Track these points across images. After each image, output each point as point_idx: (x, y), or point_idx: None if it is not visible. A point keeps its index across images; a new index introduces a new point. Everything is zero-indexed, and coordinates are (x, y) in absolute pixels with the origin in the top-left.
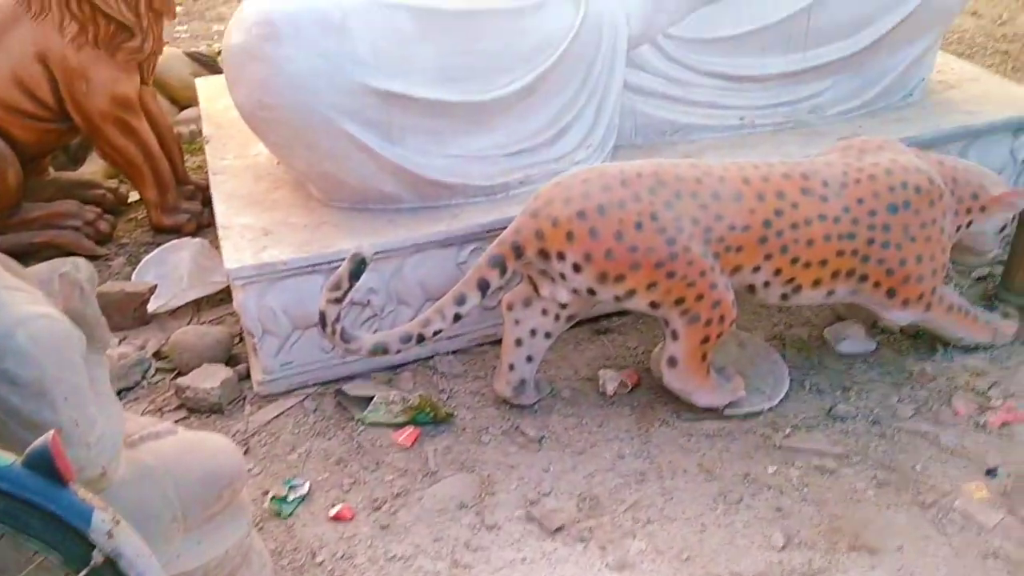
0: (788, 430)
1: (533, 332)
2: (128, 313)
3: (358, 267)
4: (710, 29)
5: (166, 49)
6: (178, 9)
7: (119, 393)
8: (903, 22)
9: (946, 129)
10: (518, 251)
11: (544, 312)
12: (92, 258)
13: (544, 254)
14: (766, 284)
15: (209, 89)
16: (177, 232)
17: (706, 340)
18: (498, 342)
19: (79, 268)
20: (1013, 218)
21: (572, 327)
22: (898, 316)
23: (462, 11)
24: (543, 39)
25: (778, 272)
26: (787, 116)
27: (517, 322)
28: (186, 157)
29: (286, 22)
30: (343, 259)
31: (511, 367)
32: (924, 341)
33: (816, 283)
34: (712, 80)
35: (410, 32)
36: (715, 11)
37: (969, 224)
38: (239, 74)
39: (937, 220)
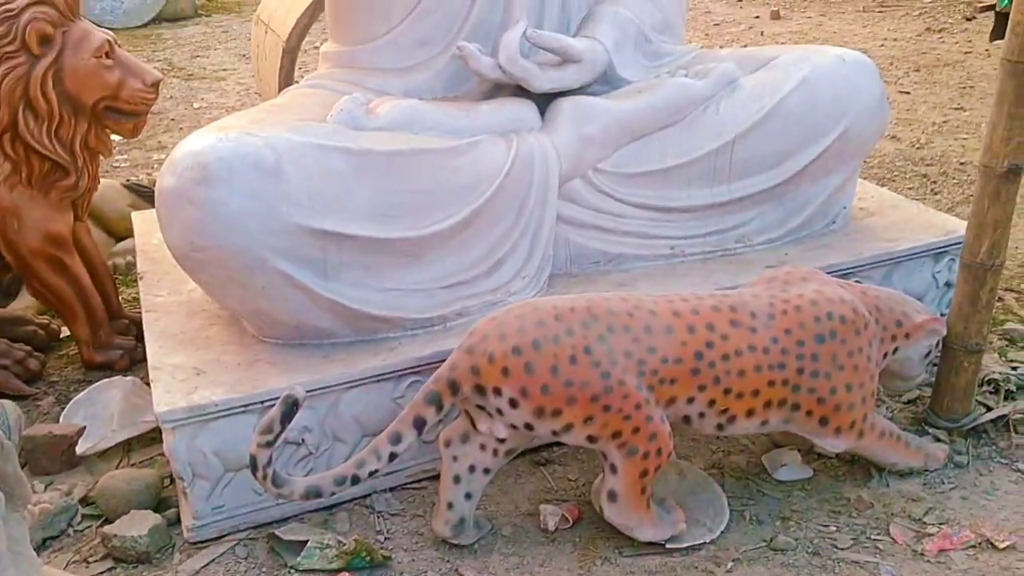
0: (730, 564)
1: (472, 468)
2: (56, 456)
3: (290, 409)
4: (637, 164)
5: (103, 180)
6: (116, 137)
7: (44, 542)
8: (822, 154)
9: (869, 256)
10: (454, 387)
11: (482, 448)
12: (20, 398)
13: (480, 390)
14: (701, 415)
15: (145, 224)
16: (109, 369)
17: (645, 473)
18: (437, 477)
19: (6, 412)
20: (937, 343)
21: (512, 459)
22: (832, 444)
23: (395, 151)
24: (477, 176)
25: (712, 403)
26: (716, 245)
27: (455, 459)
28: (121, 289)
29: (219, 165)
30: (276, 398)
31: (449, 506)
32: (860, 466)
33: (750, 413)
34: (642, 211)
35: (344, 172)
36: (641, 146)
37: (895, 351)
38: (171, 217)
39: (864, 348)
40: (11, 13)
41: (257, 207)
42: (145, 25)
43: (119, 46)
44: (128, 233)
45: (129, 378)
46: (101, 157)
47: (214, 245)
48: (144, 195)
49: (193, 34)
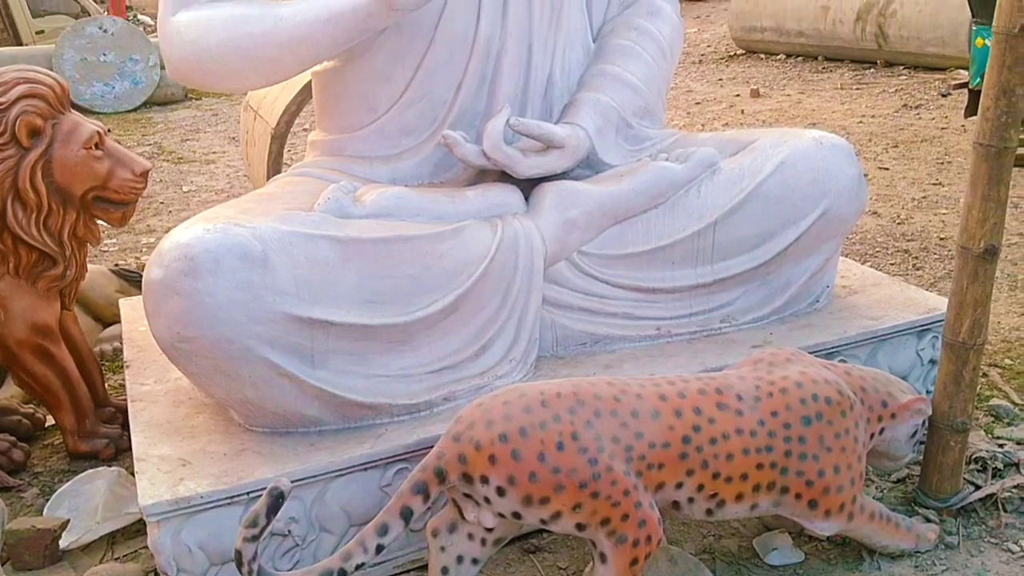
0: None
1: (460, 559)
2: (39, 551)
3: (276, 502)
4: (622, 246)
5: (91, 265)
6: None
7: None
8: (803, 235)
9: (853, 334)
10: (441, 476)
11: (470, 537)
12: (4, 490)
13: (468, 478)
14: (690, 500)
15: (132, 310)
16: (95, 458)
17: (635, 562)
18: (425, 567)
19: None
20: (924, 422)
21: (501, 547)
22: (822, 527)
23: (381, 238)
24: (463, 261)
25: (701, 487)
26: (701, 325)
27: (443, 549)
28: (108, 375)
29: (205, 256)
30: (262, 489)
31: None
32: (851, 549)
33: (739, 497)
34: (627, 293)
35: (331, 260)
36: (626, 229)
37: (882, 431)
38: (158, 308)
39: (851, 430)
40: (1, 106)
41: (244, 297)
42: (136, 109)
43: (108, 136)
44: (115, 318)
45: (114, 468)
46: (89, 246)
47: (200, 336)
48: (132, 280)
49: (183, 118)
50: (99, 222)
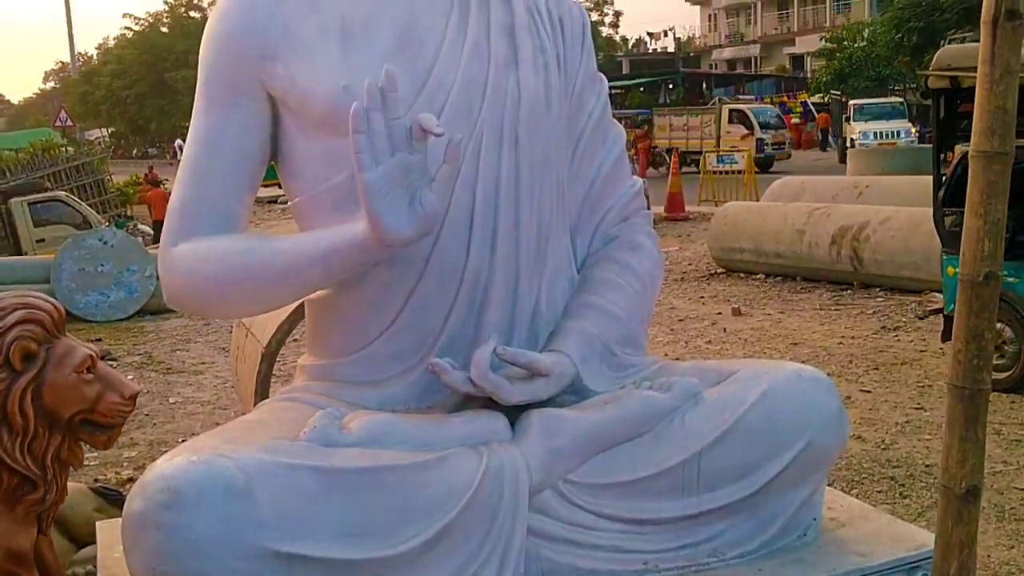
0: None
1: None
2: None
3: None
4: (607, 475)
5: (69, 483)
6: None
7: None
8: (787, 467)
9: (842, 572)
10: None
11: None
12: None
13: None
14: None
15: (109, 535)
16: None
17: None
18: None
19: None
20: None
21: None
22: None
23: (366, 468)
24: (447, 490)
25: None
26: (689, 559)
27: None
28: None
29: (189, 489)
30: None
31: None
32: None
33: None
34: (614, 524)
35: (315, 492)
36: (611, 457)
37: None
38: (135, 541)
39: None
40: None
41: (224, 531)
42: (129, 318)
43: (100, 359)
44: (91, 538)
45: None
46: (71, 468)
47: (176, 571)
48: (111, 499)
49: (175, 327)
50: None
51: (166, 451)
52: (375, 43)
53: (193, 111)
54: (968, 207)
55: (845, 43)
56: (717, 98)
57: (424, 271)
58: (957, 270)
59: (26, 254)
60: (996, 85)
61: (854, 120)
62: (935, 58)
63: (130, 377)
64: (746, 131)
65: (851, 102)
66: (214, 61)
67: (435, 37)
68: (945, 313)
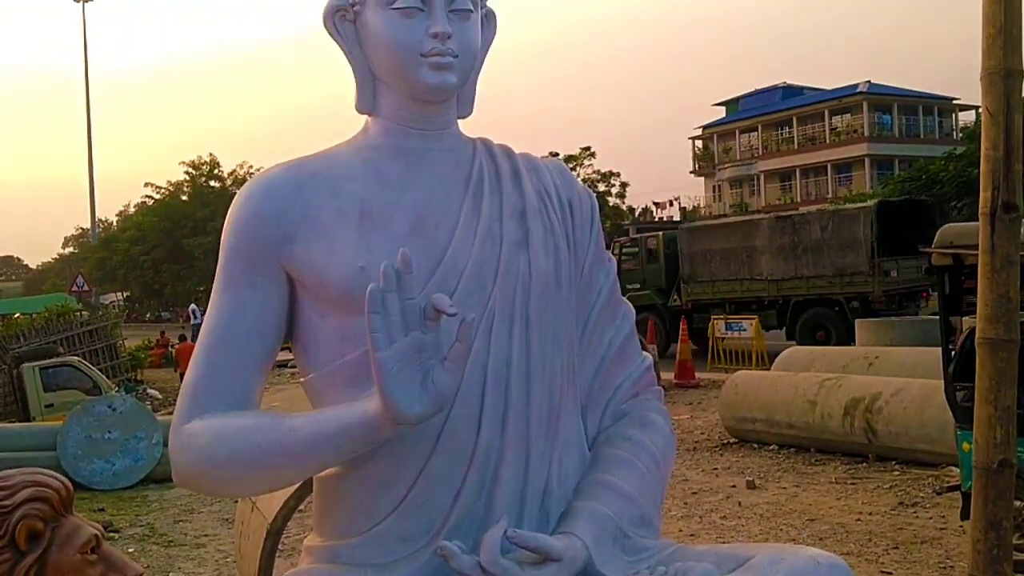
0: None
1: None
2: None
3: None
4: None
5: None
6: None
7: None
8: None
9: None
10: None
11: None
12: None
13: None
14: None
15: None
16: None
17: None
18: None
19: None
20: None
21: None
22: None
23: None
24: None
25: None
26: None
27: None
28: None
29: None
30: None
31: None
32: None
33: None
34: None
35: None
36: None
37: None
38: None
39: None
40: (5, 509)
41: None
42: (133, 486)
43: (105, 539)
44: None
45: None
46: None
47: None
48: None
49: (179, 496)
50: None
51: None
52: (392, 226)
53: (213, 288)
54: (978, 393)
55: None
56: None
57: (434, 449)
58: (971, 445)
59: (34, 419)
60: (997, 274)
61: None
62: (937, 235)
63: (131, 551)
64: None
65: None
66: (236, 242)
67: (449, 220)
68: (963, 490)
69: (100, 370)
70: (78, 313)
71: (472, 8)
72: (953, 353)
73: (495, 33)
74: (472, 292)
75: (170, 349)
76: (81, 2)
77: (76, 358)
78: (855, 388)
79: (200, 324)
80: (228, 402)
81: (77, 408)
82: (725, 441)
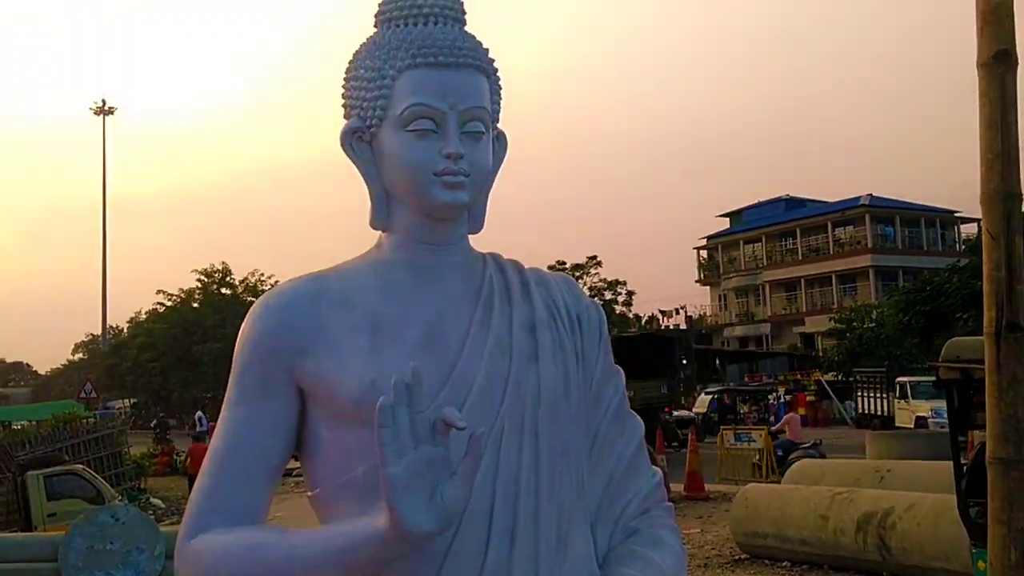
0: None
1: None
2: None
3: None
4: None
5: None
6: None
7: None
8: None
9: None
10: None
11: None
12: None
13: None
14: None
15: None
16: None
17: None
18: None
19: None
20: None
21: None
22: None
23: None
24: None
25: None
26: None
27: None
28: None
29: None
30: None
31: None
32: None
33: None
34: None
35: None
36: None
37: None
38: None
39: None
40: None
41: None
42: None
43: None
44: None
45: None
46: None
47: None
48: None
49: None
50: None
51: None
52: (403, 339)
53: (225, 400)
54: (991, 514)
55: (854, 323)
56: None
57: (442, 567)
58: (987, 563)
59: (36, 528)
60: (1004, 393)
61: (913, 398)
62: (944, 350)
63: None
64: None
65: (898, 379)
66: (251, 355)
67: (460, 333)
68: None
69: (104, 478)
70: (84, 421)
71: (484, 130)
72: (965, 468)
73: (506, 152)
74: (481, 405)
75: (175, 457)
76: (102, 116)
77: (80, 466)
78: (867, 502)
79: (206, 431)
80: (235, 517)
81: (80, 518)
82: (736, 557)
